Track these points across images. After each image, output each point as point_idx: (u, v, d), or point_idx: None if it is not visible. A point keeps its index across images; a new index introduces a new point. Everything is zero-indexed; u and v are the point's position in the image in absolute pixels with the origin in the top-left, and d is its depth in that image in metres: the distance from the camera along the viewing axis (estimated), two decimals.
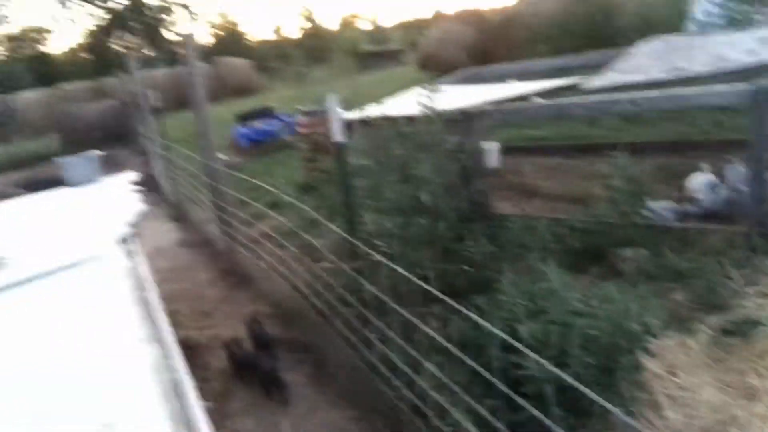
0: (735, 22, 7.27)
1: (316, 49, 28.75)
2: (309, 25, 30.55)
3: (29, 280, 1.86)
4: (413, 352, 1.98)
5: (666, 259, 3.18)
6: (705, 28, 7.86)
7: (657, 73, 4.12)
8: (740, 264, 3.06)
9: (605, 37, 9.31)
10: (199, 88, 4.36)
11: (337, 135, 2.16)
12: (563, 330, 2.18)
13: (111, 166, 10.79)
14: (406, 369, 2.07)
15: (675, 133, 5.53)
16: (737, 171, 3.95)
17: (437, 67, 12.70)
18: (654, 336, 2.42)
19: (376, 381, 2.43)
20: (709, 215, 3.76)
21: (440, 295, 1.77)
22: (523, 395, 2.15)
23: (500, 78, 6.22)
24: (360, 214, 2.73)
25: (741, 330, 2.53)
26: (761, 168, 3.25)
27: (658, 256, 3.25)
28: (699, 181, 3.99)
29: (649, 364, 2.40)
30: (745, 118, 3.82)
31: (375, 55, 25.33)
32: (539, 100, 4.48)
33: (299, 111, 5.83)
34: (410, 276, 1.82)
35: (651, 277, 3.10)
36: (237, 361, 3.32)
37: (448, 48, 13.00)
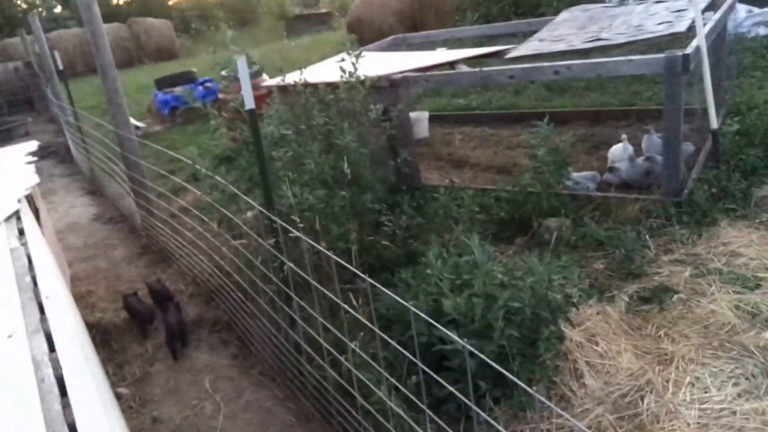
0: None
1: (239, 10, 27.57)
2: None
3: None
4: (336, 331, 1.91)
5: (587, 229, 3.26)
6: None
7: (579, 43, 4.15)
8: (656, 232, 3.18)
9: (531, 5, 9.38)
10: (104, 51, 4.01)
11: (248, 101, 2.01)
12: (487, 303, 2.17)
13: (16, 134, 10.00)
14: (330, 348, 2.01)
15: (597, 103, 5.67)
16: (654, 140, 4.08)
17: (365, 32, 12.45)
18: (575, 306, 2.46)
19: (301, 361, 2.35)
20: (628, 185, 3.87)
21: (357, 272, 1.70)
22: (450, 369, 2.16)
23: (429, 45, 6.12)
24: (279, 186, 2.60)
25: (657, 297, 2.63)
26: (675, 137, 3.36)
27: (579, 226, 3.32)
28: (618, 151, 4.10)
29: (571, 333, 2.45)
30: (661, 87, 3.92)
31: (303, 18, 24.51)
32: (465, 68, 4.43)
33: (221, 76, 5.56)
34: (328, 252, 1.73)
35: (573, 246, 3.16)
36: (135, 314, 3.37)
37: (376, 12, 12.73)
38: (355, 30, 12.84)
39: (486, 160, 4.82)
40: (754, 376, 2.10)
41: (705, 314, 2.45)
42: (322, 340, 2.01)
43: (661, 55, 3.20)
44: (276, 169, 2.88)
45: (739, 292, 2.56)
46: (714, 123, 3.59)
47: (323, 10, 26.11)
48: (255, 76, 6.33)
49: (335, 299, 1.76)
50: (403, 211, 3.28)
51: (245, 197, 2.36)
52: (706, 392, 2.08)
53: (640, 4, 4.95)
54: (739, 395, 2.04)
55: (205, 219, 3.06)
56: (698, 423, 1.96)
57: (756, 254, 2.80)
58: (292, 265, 2.07)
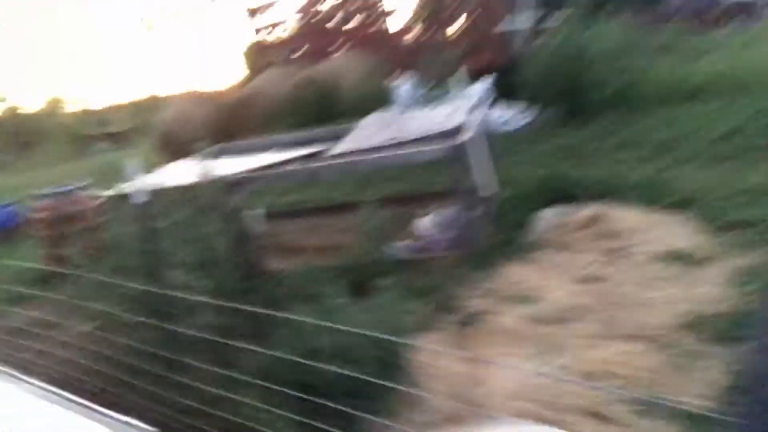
0: (430, 100, 9.21)
1: (19, 133, 25.84)
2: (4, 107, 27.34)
3: None
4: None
5: (412, 282, 4.03)
6: (406, 107, 9.72)
7: (381, 141, 5.14)
8: (461, 278, 4.07)
9: (332, 113, 10.68)
10: None
11: (140, 197, 2.36)
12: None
13: None
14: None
15: (399, 189, 6.77)
16: (447, 213, 5.13)
17: (174, 147, 12.75)
18: (418, 335, 3.12)
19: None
20: (435, 248, 4.80)
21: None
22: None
23: (250, 151, 6.77)
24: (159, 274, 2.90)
25: (472, 321, 3.43)
26: (466, 205, 4.38)
27: (406, 281, 4.08)
28: (423, 224, 5.07)
29: (417, 358, 3.08)
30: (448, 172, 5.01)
31: (95, 137, 23.79)
32: (292, 167, 5.14)
33: (34, 197, 5.60)
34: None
35: (404, 297, 3.88)
36: None
37: (185, 126, 13.16)
38: (164, 145, 13.06)
39: (320, 244, 5.47)
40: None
41: (508, 325, 3.30)
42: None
43: (446, 145, 4.24)
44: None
45: (528, 307, 3.49)
46: (490, 191, 4.73)
47: (116, 129, 25.57)
48: (71, 193, 6.27)
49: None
50: (255, 292, 3.72)
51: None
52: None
53: (424, 109, 6.24)
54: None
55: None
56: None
57: (533, 281, 3.80)
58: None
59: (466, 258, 4.25)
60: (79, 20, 53.62)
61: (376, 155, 4.45)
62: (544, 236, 4.59)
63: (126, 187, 4.02)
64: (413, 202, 5.95)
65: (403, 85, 10.61)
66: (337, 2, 13.36)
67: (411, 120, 5.85)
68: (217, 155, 6.52)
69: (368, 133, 5.71)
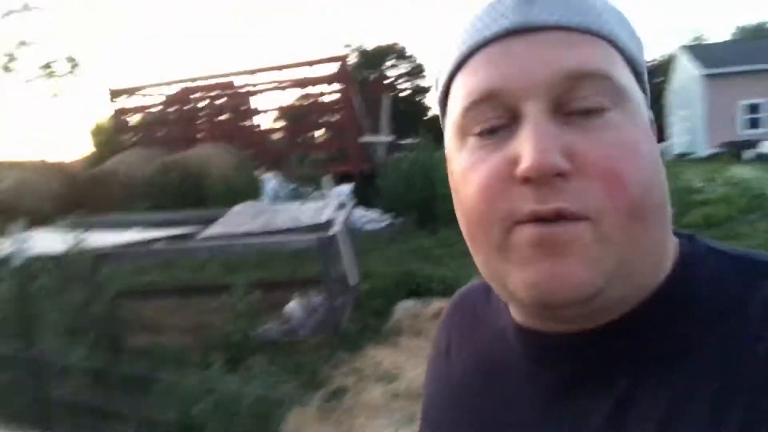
0: (297, 196, 9.73)
1: None
2: None
3: None
4: None
5: (282, 360, 4.24)
6: (275, 200, 10.18)
7: (256, 227, 5.46)
8: (327, 358, 4.38)
9: (196, 198, 10.74)
10: None
11: (17, 260, 2.42)
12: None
13: None
14: None
15: (268, 276, 6.99)
16: (314, 299, 5.48)
17: (18, 217, 11.75)
18: (288, 409, 3.33)
19: None
20: (302, 331, 5.08)
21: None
22: None
23: (114, 226, 6.64)
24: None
25: (337, 396, 3.72)
26: (329, 296, 4.77)
27: (275, 360, 4.28)
28: (291, 308, 5.34)
29: (287, 427, 3.29)
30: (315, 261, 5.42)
31: None
32: (163, 246, 5.21)
33: None
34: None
35: (275, 373, 4.08)
36: None
37: (30, 197, 12.25)
38: (6, 215, 11.97)
39: (182, 325, 5.46)
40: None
41: (369, 399, 3.64)
42: None
43: (316, 236, 4.68)
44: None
45: (386, 384, 3.87)
46: (352, 281, 5.19)
47: None
48: None
49: None
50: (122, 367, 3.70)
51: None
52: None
53: (293, 203, 6.70)
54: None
55: None
56: None
57: (391, 361, 4.23)
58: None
59: (332, 341, 4.58)
60: None
61: (247, 241, 4.74)
62: (401, 324, 5.10)
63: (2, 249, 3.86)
64: (281, 287, 6.22)
65: (271, 180, 11.13)
66: (209, 94, 13.80)
67: (282, 212, 6.25)
68: (81, 227, 6.32)
69: (239, 219, 5.99)
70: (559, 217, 0.43)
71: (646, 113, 0.48)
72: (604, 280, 0.44)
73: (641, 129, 0.46)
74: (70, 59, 28.95)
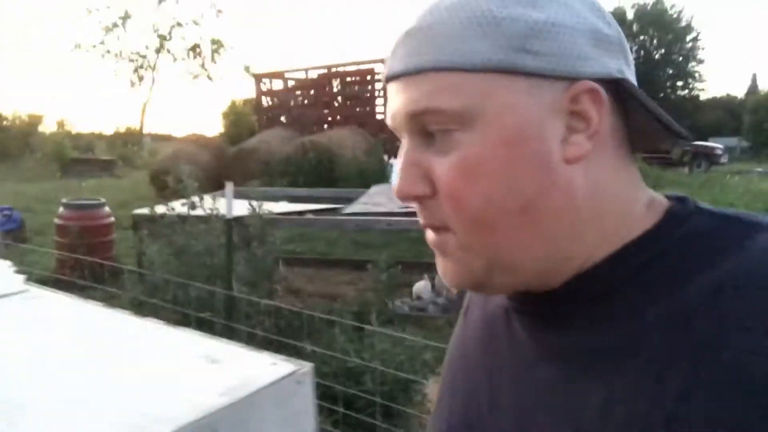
0: None
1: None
2: None
3: None
4: None
5: (413, 333, 4.57)
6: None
7: (392, 208, 5.82)
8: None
9: (329, 178, 11.39)
10: None
11: (229, 212, 2.92)
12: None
13: None
14: None
15: (395, 255, 7.38)
16: (438, 281, 5.76)
17: (167, 183, 13.17)
18: (426, 377, 3.63)
19: None
20: (429, 309, 5.39)
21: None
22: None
23: (259, 198, 7.34)
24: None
25: None
26: None
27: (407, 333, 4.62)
28: (420, 286, 5.67)
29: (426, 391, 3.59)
30: None
31: (81, 161, 23.79)
32: (311, 216, 5.74)
33: (62, 204, 6.06)
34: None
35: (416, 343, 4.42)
36: None
37: (182, 167, 13.67)
38: (159, 180, 13.49)
39: (318, 292, 5.98)
40: None
41: None
42: None
43: None
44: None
45: None
46: None
47: (102, 157, 25.70)
48: (98, 207, 6.71)
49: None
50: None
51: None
52: None
53: None
54: None
55: None
56: None
57: None
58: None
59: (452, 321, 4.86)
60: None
61: (392, 218, 5.10)
62: None
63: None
64: (411, 267, 6.58)
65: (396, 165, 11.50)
66: (346, 80, 14.52)
67: None
68: (242, 196, 7.10)
69: (378, 200, 6.38)
70: (434, 228, 0.53)
71: (515, 113, 0.48)
72: (475, 276, 0.52)
73: (490, 142, 0.48)
74: (215, 41, 31.41)
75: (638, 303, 0.48)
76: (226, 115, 17.81)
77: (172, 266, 3.58)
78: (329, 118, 13.86)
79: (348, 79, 14.01)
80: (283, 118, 14.70)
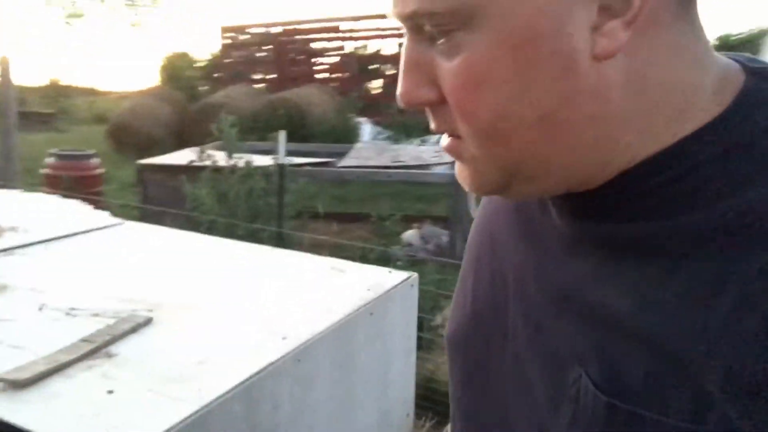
0: (394, 142, 10.43)
1: None
2: None
3: None
4: None
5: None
6: (372, 140, 10.86)
7: (384, 162, 6.22)
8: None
9: (300, 136, 11.58)
10: None
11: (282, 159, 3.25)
12: None
13: None
14: None
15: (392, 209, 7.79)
16: (431, 230, 6.26)
17: (129, 139, 12.98)
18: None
19: None
20: (420, 253, 5.90)
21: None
22: None
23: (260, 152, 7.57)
24: None
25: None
26: (458, 225, 5.54)
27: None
28: (409, 234, 6.16)
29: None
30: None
31: (21, 115, 22.54)
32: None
33: (52, 155, 6.19)
34: None
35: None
36: None
37: (144, 121, 13.44)
38: (118, 136, 13.21)
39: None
40: None
41: None
42: None
43: (450, 172, 5.39)
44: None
45: None
46: (474, 215, 5.93)
47: (42, 110, 24.44)
48: (89, 158, 6.74)
49: None
50: None
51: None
52: None
53: (409, 145, 7.44)
54: None
55: None
56: None
57: None
58: None
59: (447, 266, 5.38)
60: None
61: (392, 170, 5.51)
62: None
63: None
64: (409, 220, 7.06)
65: (368, 125, 11.85)
66: (312, 37, 14.50)
67: (402, 150, 6.99)
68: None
69: (366, 154, 6.76)
70: (447, 133, 0.47)
71: (526, 3, 0.39)
72: (493, 185, 0.47)
73: (497, 44, 0.40)
74: None
75: (686, 206, 0.41)
76: (164, 69, 17.23)
77: (217, 209, 3.88)
78: (296, 76, 13.87)
79: (315, 36, 14.02)
80: (247, 75, 14.59)
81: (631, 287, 0.42)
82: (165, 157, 6.42)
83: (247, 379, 1.26)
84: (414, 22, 0.43)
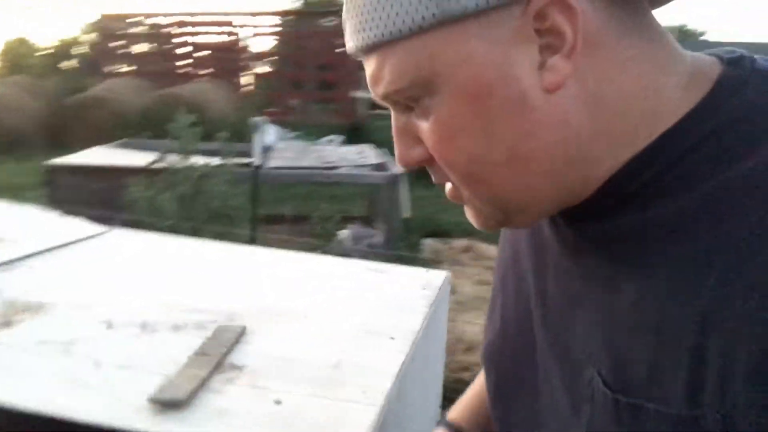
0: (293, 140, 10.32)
1: None
2: None
3: None
4: None
5: None
6: (275, 142, 10.73)
7: (312, 163, 6.21)
8: None
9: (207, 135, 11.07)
10: None
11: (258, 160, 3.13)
12: None
13: None
14: None
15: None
16: (361, 230, 6.37)
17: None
18: None
19: None
20: (353, 254, 5.97)
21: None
22: None
23: (146, 148, 7.13)
24: None
25: None
26: (393, 217, 5.69)
27: None
28: (344, 234, 6.21)
29: None
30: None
31: None
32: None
33: None
34: None
35: None
36: None
37: (10, 114, 12.04)
38: None
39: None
40: None
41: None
42: None
43: (386, 173, 5.53)
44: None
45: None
46: (406, 214, 6.13)
47: None
48: None
49: None
50: None
51: None
52: None
53: (327, 146, 7.46)
54: None
55: None
56: None
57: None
58: None
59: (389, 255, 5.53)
60: None
61: (327, 172, 5.53)
62: (436, 255, 6.10)
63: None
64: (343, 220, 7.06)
65: (268, 124, 11.67)
66: (204, 30, 13.86)
67: (323, 152, 6.99)
68: (124, 147, 6.79)
69: (289, 155, 6.67)
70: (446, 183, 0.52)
71: (469, 64, 0.43)
72: (494, 220, 0.51)
73: (455, 102, 0.45)
74: None
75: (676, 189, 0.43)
76: (3, 55, 15.45)
77: (177, 213, 3.66)
78: (187, 71, 13.19)
79: (208, 30, 13.41)
80: (131, 67, 13.59)
81: (630, 280, 0.44)
82: (75, 156, 5.86)
83: (395, 378, 1.29)
84: (389, 99, 0.48)
